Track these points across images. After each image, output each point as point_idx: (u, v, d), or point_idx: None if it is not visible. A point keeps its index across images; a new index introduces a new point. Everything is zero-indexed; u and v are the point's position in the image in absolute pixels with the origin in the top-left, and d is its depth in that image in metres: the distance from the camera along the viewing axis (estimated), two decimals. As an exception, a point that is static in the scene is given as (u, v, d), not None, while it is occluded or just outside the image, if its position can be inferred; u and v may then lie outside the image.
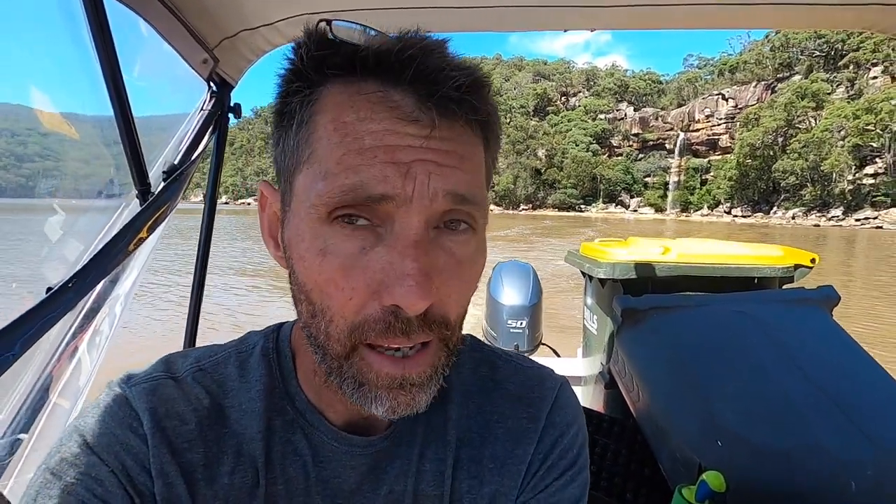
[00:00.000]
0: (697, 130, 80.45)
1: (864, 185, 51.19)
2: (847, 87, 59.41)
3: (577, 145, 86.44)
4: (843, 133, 52.17)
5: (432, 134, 0.34)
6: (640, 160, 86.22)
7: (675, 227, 47.19)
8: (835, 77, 62.16)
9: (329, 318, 0.35)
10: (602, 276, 1.78)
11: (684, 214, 75.44)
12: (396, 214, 0.34)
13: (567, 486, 0.48)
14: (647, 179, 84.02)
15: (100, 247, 0.77)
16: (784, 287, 1.76)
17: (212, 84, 1.05)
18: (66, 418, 0.91)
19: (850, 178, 52.20)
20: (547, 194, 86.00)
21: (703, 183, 76.83)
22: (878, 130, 49.11)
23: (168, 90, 1.07)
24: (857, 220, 49.94)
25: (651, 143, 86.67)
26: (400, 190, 0.33)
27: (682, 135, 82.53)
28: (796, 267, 1.73)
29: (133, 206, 0.91)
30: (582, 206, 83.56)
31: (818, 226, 51.10)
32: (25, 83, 0.88)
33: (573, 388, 0.55)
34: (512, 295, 2.49)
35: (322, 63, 0.35)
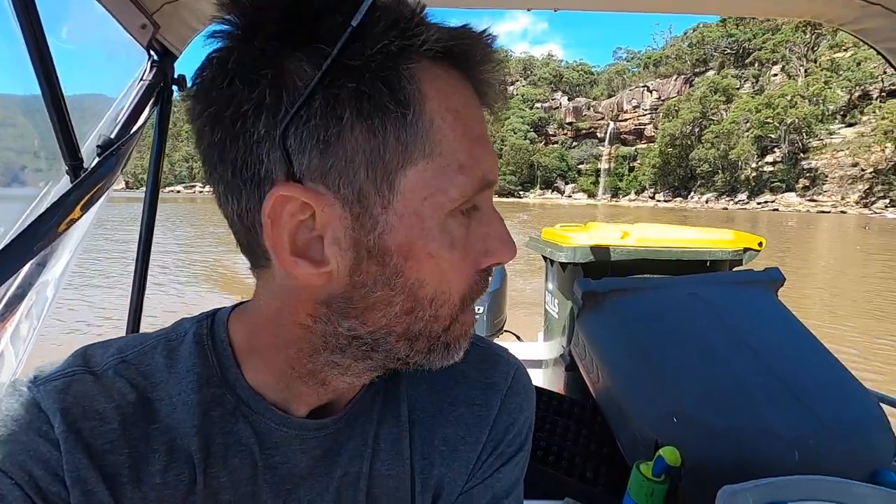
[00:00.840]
0: (626, 120, 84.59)
1: (765, 172, 56.54)
2: (752, 82, 64.92)
3: (515, 133, 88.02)
4: (748, 125, 57.12)
5: (489, 117, 0.38)
6: (574, 148, 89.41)
7: (605, 212, 49.69)
8: (742, 73, 67.67)
9: (441, 302, 0.36)
10: (563, 260, 1.82)
11: (614, 200, 79.50)
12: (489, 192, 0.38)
13: (512, 470, 0.49)
14: (580, 167, 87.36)
15: (24, 227, 0.69)
16: (734, 269, 1.89)
17: (152, 53, 0.97)
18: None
19: (753, 165, 57.47)
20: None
21: (631, 170, 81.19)
22: (775, 123, 54.15)
23: (102, 57, 0.99)
24: (758, 203, 55.21)
25: (584, 131, 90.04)
26: (496, 172, 0.37)
27: (611, 124, 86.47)
28: (745, 250, 1.86)
29: (63, 184, 0.83)
30: (521, 193, 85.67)
31: (726, 209, 55.75)
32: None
33: (535, 371, 0.55)
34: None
35: (411, 38, 0.31)
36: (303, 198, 0.32)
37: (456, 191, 0.34)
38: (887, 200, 44.38)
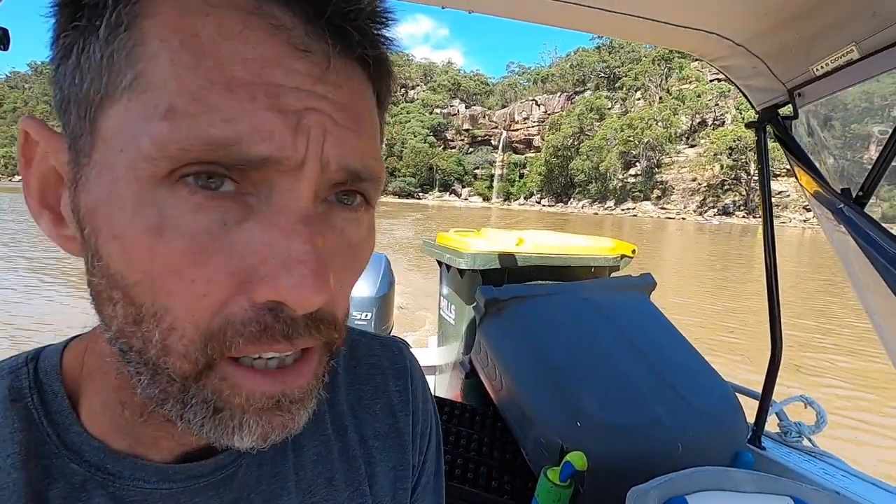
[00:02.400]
0: (517, 130, 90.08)
1: (629, 183, 65.00)
2: (621, 104, 73.41)
3: (415, 136, 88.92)
4: (615, 142, 64.76)
5: (327, 73, 0.24)
6: (470, 153, 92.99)
7: (499, 214, 52.85)
8: (613, 96, 76.14)
9: (168, 324, 0.24)
10: (463, 267, 1.78)
11: (506, 203, 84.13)
12: (277, 181, 0.24)
13: (437, 453, 0.48)
14: (476, 171, 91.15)
15: None
16: (612, 275, 2.03)
17: None
18: None
19: (620, 177, 65.51)
20: (387, 181, 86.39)
21: (521, 176, 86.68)
22: (635, 142, 62.68)
23: None
24: (622, 209, 63.51)
25: (480, 138, 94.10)
26: (291, 152, 0.23)
27: (504, 133, 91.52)
28: (622, 257, 2.01)
29: None
30: (420, 194, 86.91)
31: (597, 214, 63.12)
32: None
33: (429, 377, 0.47)
34: (359, 285, 2.36)
35: None
36: (34, 133, 0.26)
37: (150, 143, 0.22)
38: (715, 209, 54.26)
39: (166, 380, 0.25)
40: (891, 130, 0.97)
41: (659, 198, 59.05)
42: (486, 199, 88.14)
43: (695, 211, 56.46)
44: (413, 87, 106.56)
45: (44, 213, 0.27)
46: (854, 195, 1.02)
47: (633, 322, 1.45)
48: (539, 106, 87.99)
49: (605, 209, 65.46)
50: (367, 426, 0.42)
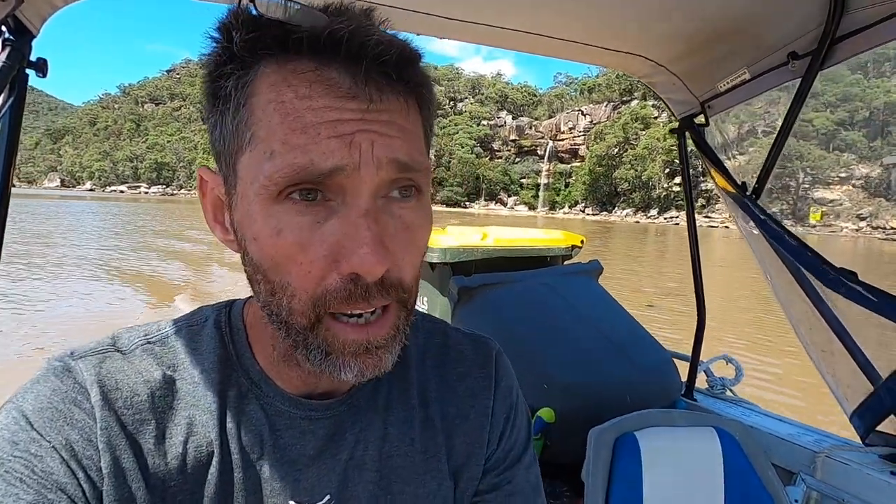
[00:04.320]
0: (563, 140, 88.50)
1: (673, 192, 62.05)
2: (668, 113, 70.22)
3: (462, 147, 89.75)
4: (659, 151, 61.99)
5: (370, 108, 0.34)
6: (516, 163, 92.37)
7: (543, 222, 52.23)
8: (659, 104, 72.99)
9: (290, 293, 0.35)
10: (435, 261, 1.99)
11: (552, 212, 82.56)
12: (347, 186, 0.34)
13: (523, 441, 0.52)
14: (522, 181, 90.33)
15: None
16: (566, 263, 2.20)
17: (5, 30, 0.82)
18: None
19: (665, 185, 62.64)
20: (436, 191, 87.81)
21: (567, 185, 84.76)
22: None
23: None
24: (665, 218, 61.06)
25: (526, 148, 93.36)
26: (347, 160, 0.33)
27: (550, 143, 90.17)
28: (573, 247, 2.18)
29: None
30: (466, 203, 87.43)
31: (639, 222, 61.30)
32: None
33: None
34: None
35: (255, 45, 0.34)
36: (205, 176, 0.40)
37: (264, 176, 0.33)
38: None
39: (294, 332, 0.36)
40: (775, 135, 1.15)
41: (703, 206, 55.91)
42: (532, 207, 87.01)
43: (728, 219, 53.09)
44: (461, 100, 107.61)
45: (216, 226, 0.40)
46: (750, 189, 1.20)
47: (585, 301, 1.65)
48: (585, 116, 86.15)
49: (648, 217, 63.19)
50: (450, 405, 0.48)
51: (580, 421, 1.19)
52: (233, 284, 8.76)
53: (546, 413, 1.17)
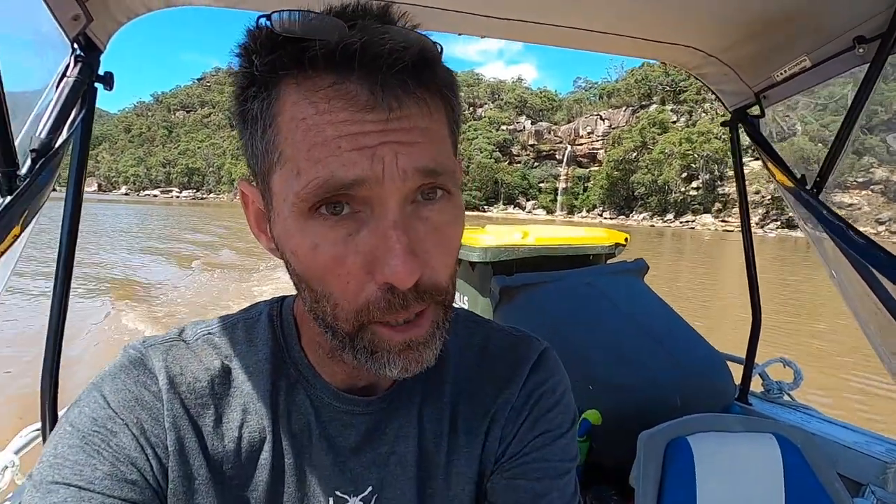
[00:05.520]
0: (581, 144, 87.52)
1: (689, 196, 60.66)
2: (687, 118, 68.77)
3: (481, 152, 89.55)
4: (675, 155, 60.70)
5: (391, 117, 0.33)
6: (535, 168, 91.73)
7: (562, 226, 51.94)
8: (678, 109, 71.58)
9: (333, 302, 0.36)
10: (475, 260, 1.96)
11: (570, 216, 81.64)
12: (373, 197, 0.33)
13: (558, 452, 0.48)
14: (540, 185, 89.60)
15: None
16: (609, 262, 2.13)
17: (76, 46, 0.83)
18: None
19: (682, 190, 61.30)
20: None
21: (585, 190, 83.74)
22: (694, 155, 58.25)
23: (19, 48, 0.75)
24: (681, 222, 59.72)
25: (544, 153, 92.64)
26: (369, 172, 0.32)
27: (569, 147, 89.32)
28: (616, 245, 2.10)
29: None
30: (485, 207, 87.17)
31: (654, 226, 60.12)
32: None
33: None
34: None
35: (274, 66, 0.33)
36: (246, 190, 0.41)
37: (294, 195, 0.34)
38: (778, 223, 49.23)
39: (340, 336, 0.37)
40: (839, 126, 1.07)
41: (720, 211, 54.40)
42: (550, 211, 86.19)
43: (756, 224, 51.47)
44: (481, 106, 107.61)
45: (261, 235, 0.41)
46: (811, 183, 1.12)
47: (631, 301, 1.59)
48: (604, 120, 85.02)
49: (664, 221, 61.85)
50: (480, 405, 0.48)
51: (627, 423, 1.15)
52: (240, 262, 12.27)
53: (592, 415, 1.11)
